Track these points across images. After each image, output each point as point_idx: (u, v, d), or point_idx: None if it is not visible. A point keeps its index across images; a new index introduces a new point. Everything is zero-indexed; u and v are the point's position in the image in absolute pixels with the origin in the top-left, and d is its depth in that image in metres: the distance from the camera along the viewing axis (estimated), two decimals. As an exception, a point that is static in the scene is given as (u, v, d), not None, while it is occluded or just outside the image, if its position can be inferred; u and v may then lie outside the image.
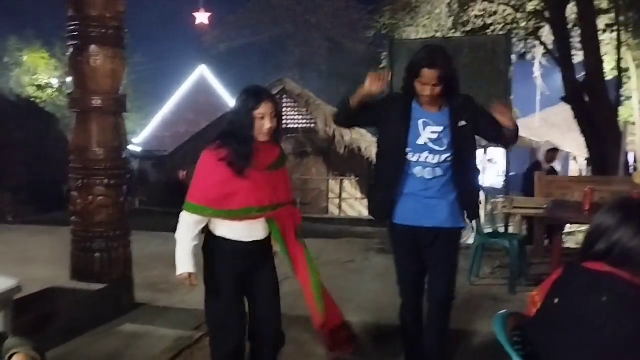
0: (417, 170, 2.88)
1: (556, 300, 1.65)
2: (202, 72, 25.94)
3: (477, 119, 2.92)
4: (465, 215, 3.05)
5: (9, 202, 11.41)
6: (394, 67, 6.68)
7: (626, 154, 8.46)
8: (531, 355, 1.68)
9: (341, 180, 15.82)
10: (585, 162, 16.19)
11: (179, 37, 27.46)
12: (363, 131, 14.85)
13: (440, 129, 2.87)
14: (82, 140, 4.06)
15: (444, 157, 2.87)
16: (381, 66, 15.62)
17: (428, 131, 2.86)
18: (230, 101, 24.57)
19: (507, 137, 2.90)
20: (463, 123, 2.88)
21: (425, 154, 2.86)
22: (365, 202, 16.87)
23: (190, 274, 2.58)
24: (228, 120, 2.62)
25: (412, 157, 2.88)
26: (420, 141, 2.87)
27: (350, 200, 15.86)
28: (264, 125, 2.49)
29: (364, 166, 15.68)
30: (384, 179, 3.03)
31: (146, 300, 4.46)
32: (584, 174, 17.09)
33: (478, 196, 3.30)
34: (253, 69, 25.09)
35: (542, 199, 6.06)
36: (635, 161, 12.22)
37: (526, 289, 4.68)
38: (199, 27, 26.39)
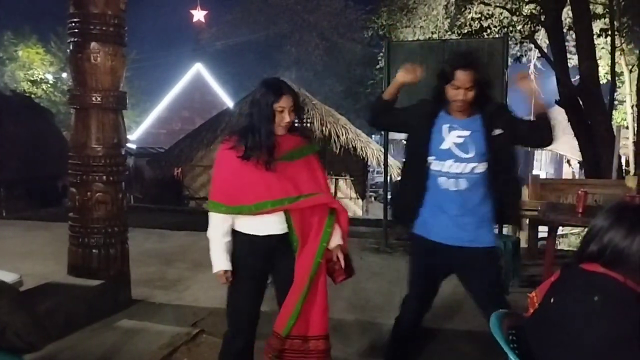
0: (441, 181, 2.72)
1: (552, 300, 1.69)
2: (198, 69, 25.90)
3: (515, 125, 2.73)
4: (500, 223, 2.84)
5: (3, 198, 11.38)
6: (391, 68, 6.71)
7: (619, 157, 8.52)
8: (526, 354, 1.72)
9: (336, 180, 15.85)
10: (579, 165, 16.31)
11: (176, 35, 27.56)
12: (359, 131, 14.88)
13: (467, 133, 2.68)
14: (82, 136, 4.08)
15: (469, 166, 2.67)
16: (378, 67, 15.67)
17: (453, 135, 2.69)
18: (226, 99, 24.60)
19: (543, 130, 2.70)
20: (499, 131, 2.67)
21: (450, 162, 2.68)
22: (360, 202, 16.99)
23: (225, 271, 2.57)
24: (246, 114, 2.55)
25: (435, 166, 2.72)
26: (445, 146, 2.70)
27: (345, 200, 15.88)
28: (283, 118, 2.48)
29: (359, 166, 15.73)
30: (407, 186, 2.92)
31: (143, 297, 4.48)
32: (577, 176, 17.21)
33: (519, 207, 3.12)
34: (249, 67, 25.10)
35: (535, 201, 6.12)
36: (628, 164, 12.30)
37: (520, 290, 4.73)
38: (195, 25, 26.42)
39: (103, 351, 3.48)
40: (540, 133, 2.72)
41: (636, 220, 1.64)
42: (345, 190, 16.04)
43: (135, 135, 24.68)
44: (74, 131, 4.14)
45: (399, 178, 3.13)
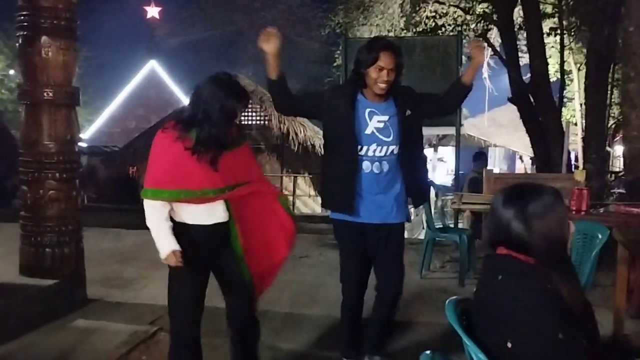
0: (365, 165, 2.88)
1: (474, 288, 1.79)
2: (153, 67, 25.43)
3: (421, 103, 2.93)
4: (410, 202, 3.06)
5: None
6: (348, 65, 6.77)
7: (568, 152, 8.80)
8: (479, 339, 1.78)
9: (295, 177, 15.85)
10: (531, 160, 16.78)
11: (129, 31, 26.86)
12: (317, 128, 14.92)
13: (386, 117, 2.86)
14: (33, 133, 3.97)
15: (390, 148, 2.86)
16: (335, 64, 15.75)
17: (375, 120, 2.85)
18: (182, 97, 24.24)
19: (458, 95, 2.96)
20: (409, 112, 2.88)
21: (374, 146, 2.85)
22: (319, 199, 17.01)
23: (174, 251, 2.51)
24: (202, 108, 2.48)
25: (360, 151, 2.86)
26: (368, 131, 2.85)
27: (303, 198, 15.90)
28: (238, 119, 2.59)
29: (317, 163, 15.76)
30: (336, 172, 2.96)
31: (99, 296, 4.40)
32: (529, 171, 17.70)
33: (426, 185, 3.32)
34: (205, 64, 24.79)
35: (490, 195, 6.27)
36: (576, 159, 12.73)
37: (475, 281, 4.84)
38: (149, 22, 25.96)
39: (58, 351, 3.40)
40: (454, 96, 2.96)
41: (522, 200, 1.69)
42: (304, 187, 16.05)
43: (87, 134, 24.06)
44: (25, 128, 4.03)
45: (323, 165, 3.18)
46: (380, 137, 2.85)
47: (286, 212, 2.82)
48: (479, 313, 1.74)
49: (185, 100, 22.11)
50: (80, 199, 4.24)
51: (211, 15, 25.20)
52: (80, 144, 4.30)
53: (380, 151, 2.85)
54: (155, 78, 25.41)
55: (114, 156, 16.00)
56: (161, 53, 25.98)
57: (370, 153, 2.85)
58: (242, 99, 2.55)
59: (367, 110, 2.86)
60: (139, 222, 6.96)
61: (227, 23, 25.14)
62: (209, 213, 2.59)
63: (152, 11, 25.61)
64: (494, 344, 1.61)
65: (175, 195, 2.51)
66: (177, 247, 2.52)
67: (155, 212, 2.53)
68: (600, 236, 2.93)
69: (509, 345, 1.58)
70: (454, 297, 1.86)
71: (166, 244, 2.52)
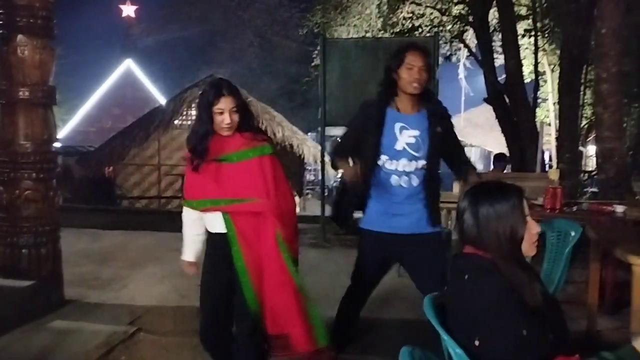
0: (394, 179, 2.83)
1: (446, 287, 1.83)
2: (129, 66, 25.17)
3: (448, 133, 2.89)
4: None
5: None
6: (326, 65, 6.80)
7: (542, 152, 8.95)
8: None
9: (273, 177, 15.83)
10: (503, 160, 16.98)
11: (104, 30, 26.51)
12: (295, 128, 14.95)
13: (417, 132, 2.80)
14: (8, 132, 3.93)
15: (420, 163, 2.82)
16: (313, 64, 15.76)
17: (405, 135, 2.80)
18: (158, 96, 24.04)
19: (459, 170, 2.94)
20: (440, 130, 2.82)
21: (404, 160, 2.81)
22: (297, 199, 17.00)
23: (189, 263, 2.74)
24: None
25: (389, 165, 2.83)
26: (399, 146, 2.80)
27: (281, 197, 15.90)
28: (223, 120, 2.47)
29: (296, 163, 15.77)
30: (365, 184, 2.91)
31: (77, 297, 4.36)
32: (505, 170, 17.91)
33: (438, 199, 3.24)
34: (182, 64, 24.63)
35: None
36: (550, 159, 12.94)
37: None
38: (125, 20, 25.68)
39: (35, 353, 3.36)
40: (455, 169, 2.97)
41: (479, 199, 1.74)
42: (282, 187, 16.06)
43: (62, 134, 23.69)
44: (0, 127, 3.97)
45: (339, 177, 3.19)
46: (411, 152, 2.81)
47: (282, 257, 2.55)
48: (449, 312, 1.77)
49: (162, 99, 21.95)
50: (57, 199, 4.20)
51: (188, 14, 24.97)
52: (55, 143, 4.26)
53: (410, 166, 2.82)
54: (132, 77, 25.17)
55: (89, 156, 15.79)
56: (137, 52, 25.73)
57: (400, 168, 2.83)
58: (217, 95, 2.46)
59: (398, 125, 2.81)
60: (116, 223, 6.95)
61: (204, 22, 24.94)
62: (211, 222, 2.63)
63: (128, 10, 25.35)
64: (464, 342, 1.64)
65: (186, 204, 2.67)
66: (190, 258, 2.74)
67: (183, 217, 2.72)
68: (573, 233, 2.99)
69: (477, 343, 1.62)
70: (433, 294, 1.89)
71: (183, 252, 2.75)
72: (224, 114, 2.47)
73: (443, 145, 2.87)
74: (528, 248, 1.75)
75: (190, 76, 19.89)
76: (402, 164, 2.82)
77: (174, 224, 3.41)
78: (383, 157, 2.84)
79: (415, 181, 2.85)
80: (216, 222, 2.60)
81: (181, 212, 2.74)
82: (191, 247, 2.73)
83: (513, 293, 1.63)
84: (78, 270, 5.01)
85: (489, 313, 1.62)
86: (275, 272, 2.53)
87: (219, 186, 2.53)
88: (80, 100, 25.27)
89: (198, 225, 2.68)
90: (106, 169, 15.32)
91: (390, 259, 3.07)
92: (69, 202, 12.67)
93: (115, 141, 15.09)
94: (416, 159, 2.82)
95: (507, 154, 9.43)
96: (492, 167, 7.92)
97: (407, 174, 2.83)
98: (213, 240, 2.67)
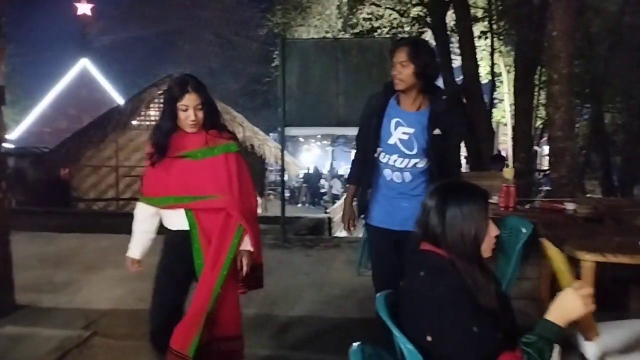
0: (387, 173, 2.85)
1: (401, 283, 1.84)
2: (85, 65, 24.56)
3: (446, 138, 2.77)
4: None
5: None
6: (285, 65, 6.81)
7: (499, 151, 9.16)
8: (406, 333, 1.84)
9: (233, 177, 15.73)
10: (465, 159, 17.32)
11: (59, 28, 25.81)
12: (256, 129, 14.87)
13: (411, 130, 2.77)
14: (-45, 133, 3.80)
15: (412, 162, 2.79)
16: (274, 64, 15.74)
17: (399, 131, 2.79)
18: (116, 96, 23.57)
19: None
20: (437, 132, 2.75)
21: (395, 156, 2.80)
22: (259, 200, 16.92)
23: (132, 260, 2.67)
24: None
25: (382, 158, 2.84)
26: (391, 141, 2.81)
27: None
28: (188, 117, 2.45)
29: (256, 163, 15.69)
30: (363, 178, 2.98)
31: (29, 302, 4.24)
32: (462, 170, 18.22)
33: None
34: (140, 63, 24.21)
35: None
36: (506, 158, 13.25)
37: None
38: (81, 19, 25.07)
39: (-15, 361, 3.27)
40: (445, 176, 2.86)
41: (452, 199, 1.76)
42: (243, 188, 15.97)
43: (15, 135, 22.95)
44: (-54, 127, 3.84)
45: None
46: (403, 148, 2.79)
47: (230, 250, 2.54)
48: (402, 308, 1.79)
49: (120, 99, 21.53)
50: (7, 201, 4.08)
51: (145, 14, 24.53)
52: (6, 145, 4.13)
53: (402, 163, 2.80)
54: (87, 77, 24.55)
55: (44, 157, 15.37)
56: (94, 51, 25.14)
57: (391, 162, 2.82)
58: (181, 92, 2.44)
59: (394, 120, 2.80)
60: (71, 225, 6.78)
61: (163, 22, 24.57)
62: (173, 219, 2.59)
63: (84, 8, 24.75)
64: (416, 338, 1.66)
65: (145, 201, 2.62)
66: (134, 255, 2.66)
67: (135, 214, 2.66)
68: (524, 230, 3.05)
69: (429, 339, 1.64)
70: (386, 291, 1.91)
71: (129, 249, 2.67)
72: (189, 110, 2.45)
73: (439, 149, 2.78)
74: (486, 250, 1.79)
75: (148, 76, 19.59)
76: (394, 159, 2.81)
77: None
78: (379, 149, 2.85)
79: (408, 178, 2.82)
80: (177, 219, 2.57)
81: None
82: (139, 245, 2.66)
83: (467, 293, 1.66)
84: (31, 275, 4.87)
85: (442, 309, 1.64)
86: (209, 272, 2.52)
87: (182, 183, 2.51)
88: (34, 101, 24.53)
89: (151, 222, 2.64)
90: (61, 170, 14.92)
91: (395, 253, 2.95)
92: (23, 205, 12.32)
93: (71, 142, 14.73)
94: (409, 157, 2.79)
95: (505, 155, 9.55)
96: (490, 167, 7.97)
97: (400, 170, 2.82)
98: (171, 238, 2.62)
